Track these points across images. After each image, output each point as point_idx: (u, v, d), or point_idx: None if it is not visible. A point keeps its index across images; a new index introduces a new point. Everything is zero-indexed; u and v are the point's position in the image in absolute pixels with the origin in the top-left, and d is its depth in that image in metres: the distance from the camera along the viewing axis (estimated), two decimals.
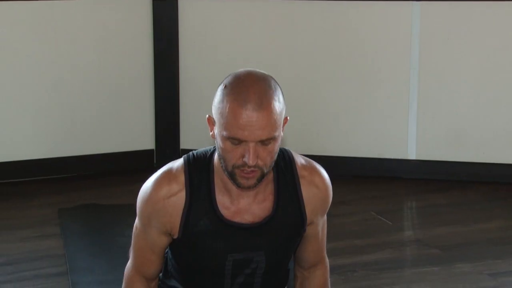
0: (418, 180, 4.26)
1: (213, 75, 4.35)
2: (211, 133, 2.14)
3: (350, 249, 3.38)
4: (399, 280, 3.10)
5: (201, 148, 2.32)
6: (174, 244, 2.24)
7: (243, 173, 2.07)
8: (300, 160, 2.28)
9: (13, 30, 4.17)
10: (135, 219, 2.28)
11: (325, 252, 2.41)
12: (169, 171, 2.22)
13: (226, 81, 2.10)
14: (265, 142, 2.05)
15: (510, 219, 3.75)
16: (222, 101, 2.07)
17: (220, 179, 2.16)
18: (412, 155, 4.28)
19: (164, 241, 2.24)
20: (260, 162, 2.06)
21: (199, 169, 2.21)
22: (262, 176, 2.09)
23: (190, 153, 2.26)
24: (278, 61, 4.33)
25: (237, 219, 2.16)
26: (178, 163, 2.23)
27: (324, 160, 4.34)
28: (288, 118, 2.15)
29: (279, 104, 2.09)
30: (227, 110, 2.05)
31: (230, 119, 2.05)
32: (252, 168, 2.05)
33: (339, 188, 4.14)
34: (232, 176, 2.09)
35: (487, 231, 3.59)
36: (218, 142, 2.10)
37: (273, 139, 2.06)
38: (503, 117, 4.19)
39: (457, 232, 3.58)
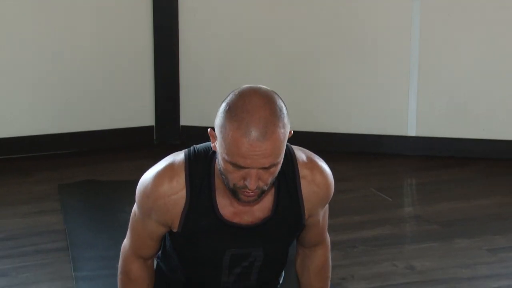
0: (418, 157, 4.27)
1: (214, 50, 4.36)
2: (212, 145, 2.08)
3: (350, 225, 3.39)
4: (399, 255, 3.11)
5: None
6: (172, 234, 2.25)
7: (244, 193, 2.04)
8: (301, 157, 2.23)
9: (10, 4, 4.16)
10: (134, 203, 2.29)
11: (326, 233, 2.42)
12: (170, 167, 2.18)
13: (229, 101, 2.01)
14: (268, 167, 2.01)
15: (510, 195, 3.76)
16: (224, 125, 1.99)
17: (220, 181, 2.13)
18: (412, 132, 4.29)
19: (163, 230, 2.24)
20: (261, 184, 2.03)
21: (200, 168, 2.17)
22: (263, 192, 2.07)
23: (192, 148, 2.22)
24: (278, 36, 4.33)
25: (237, 219, 2.15)
26: (179, 158, 2.19)
27: (323, 137, 4.37)
28: (292, 132, 2.08)
29: (283, 131, 2.02)
30: (229, 137, 1.98)
31: (233, 147, 1.98)
32: (253, 191, 2.03)
33: (338, 165, 4.16)
34: (233, 192, 2.07)
35: (486, 207, 3.60)
36: (220, 161, 2.05)
37: (276, 164, 2.02)
38: (504, 94, 4.20)
39: (456, 208, 3.59)
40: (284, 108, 2.04)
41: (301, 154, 2.25)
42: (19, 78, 4.24)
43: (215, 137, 2.05)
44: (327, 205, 2.33)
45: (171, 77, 4.39)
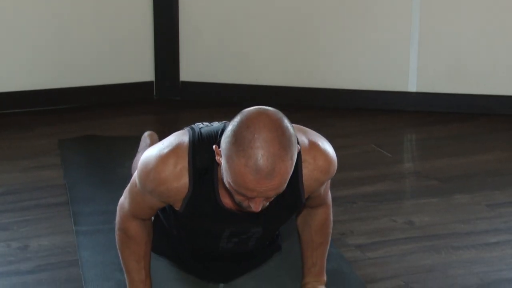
0: (418, 113, 4.28)
1: (214, 5, 4.33)
2: (217, 158, 2.05)
3: (350, 181, 3.41)
4: (398, 211, 3.13)
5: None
6: (173, 208, 2.26)
7: (249, 209, 2.05)
8: (303, 141, 2.19)
9: None
10: (133, 158, 2.30)
11: (328, 196, 2.43)
12: (174, 152, 2.16)
13: (237, 131, 1.95)
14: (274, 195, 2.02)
15: (509, 151, 3.77)
16: (231, 158, 1.95)
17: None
18: (412, 88, 4.28)
19: (163, 205, 2.28)
20: (265, 203, 2.03)
21: (204, 157, 2.15)
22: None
23: (197, 131, 2.19)
24: None
25: (237, 208, 2.16)
26: (183, 143, 2.17)
27: (324, 93, 4.37)
28: (299, 147, 2.06)
29: (291, 162, 1.98)
30: (236, 171, 1.95)
31: (239, 180, 1.96)
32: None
33: (339, 121, 4.17)
34: (237, 204, 2.09)
35: (486, 163, 3.62)
36: (225, 180, 2.02)
37: (282, 190, 2.01)
38: (504, 49, 4.19)
39: (456, 163, 3.61)
40: (291, 131, 1.99)
41: (302, 138, 2.20)
42: (19, 33, 4.23)
43: (220, 155, 2.02)
44: (328, 182, 2.35)
45: (171, 32, 4.37)
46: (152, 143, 3.01)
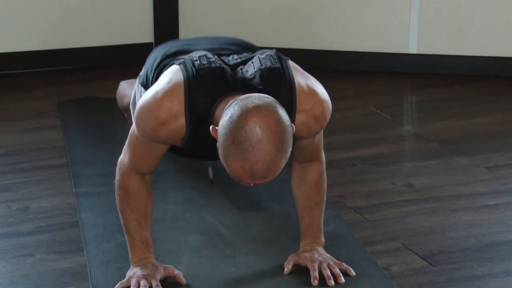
0: (419, 75, 4.28)
1: None
2: (212, 133, 2.10)
3: (349, 143, 3.42)
4: (398, 173, 3.14)
5: None
6: None
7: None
8: (302, 86, 2.22)
9: None
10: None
11: (321, 151, 2.46)
12: (170, 94, 2.19)
13: (234, 131, 1.98)
14: None
15: (510, 113, 3.78)
16: (228, 156, 2.01)
17: (219, 114, 2.13)
18: (413, 49, 4.28)
19: (164, 149, 2.30)
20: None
21: (201, 98, 2.18)
22: None
23: (189, 68, 2.22)
24: None
25: None
26: (178, 84, 2.20)
27: (323, 55, 4.37)
28: (294, 127, 2.08)
29: (285, 159, 2.04)
30: (233, 169, 2.02)
31: (234, 175, 2.04)
32: None
33: (339, 83, 4.17)
34: None
35: (486, 125, 3.62)
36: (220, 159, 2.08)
37: None
38: (506, 11, 4.18)
39: (456, 126, 3.61)
40: (288, 130, 2.02)
41: (301, 82, 2.24)
42: None
43: (216, 137, 2.06)
44: (320, 134, 2.38)
45: None
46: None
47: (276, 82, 2.23)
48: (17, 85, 4.12)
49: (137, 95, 2.66)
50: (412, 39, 4.27)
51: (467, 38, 4.24)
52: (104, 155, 3.21)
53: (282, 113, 2.03)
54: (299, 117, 2.22)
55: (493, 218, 2.78)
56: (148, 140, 2.26)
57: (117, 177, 2.38)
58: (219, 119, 2.08)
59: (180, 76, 2.22)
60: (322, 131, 2.41)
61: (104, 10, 4.32)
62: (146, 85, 2.55)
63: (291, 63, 2.32)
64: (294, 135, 2.10)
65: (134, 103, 2.68)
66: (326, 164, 3.13)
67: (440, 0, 4.21)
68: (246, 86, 2.19)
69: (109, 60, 4.33)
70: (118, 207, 2.38)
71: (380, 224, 2.74)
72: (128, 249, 2.37)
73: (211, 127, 2.10)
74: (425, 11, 4.22)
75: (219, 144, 2.05)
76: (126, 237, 2.38)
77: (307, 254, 2.39)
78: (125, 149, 2.37)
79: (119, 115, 3.58)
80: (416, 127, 3.66)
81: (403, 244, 2.60)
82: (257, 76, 2.23)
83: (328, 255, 2.40)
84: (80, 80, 4.18)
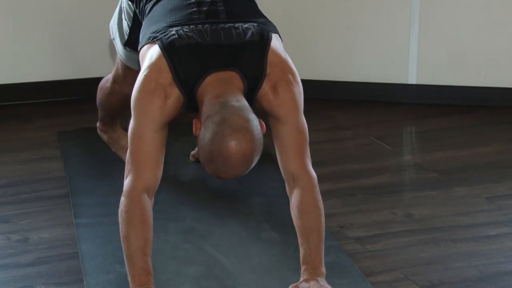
0: (418, 105, 4.28)
1: None
2: (194, 130, 2.31)
3: (349, 173, 3.42)
4: (398, 203, 3.13)
5: None
6: None
7: None
8: (274, 55, 2.46)
9: None
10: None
11: (307, 167, 2.46)
12: (158, 70, 2.36)
13: (211, 148, 2.22)
14: None
15: (509, 143, 3.77)
16: (204, 161, 2.27)
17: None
18: (412, 80, 4.29)
19: (166, 134, 2.43)
20: None
21: (185, 73, 2.36)
22: None
23: (167, 45, 2.37)
24: None
25: None
26: (161, 60, 2.37)
27: (323, 85, 4.37)
28: (264, 126, 2.32)
29: (256, 161, 2.28)
30: (208, 170, 2.28)
31: (210, 173, 2.29)
32: None
33: (338, 113, 4.18)
34: None
35: (485, 155, 3.62)
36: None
37: None
38: (504, 41, 4.20)
39: (455, 156, 3.61)
40: (260, 140, 2.26)
41: (276, 53, 2.47)
42: (18, 25, 4.23)
43: (197, 133, 2.29)
44: (300, 125, 2.48)
45: None
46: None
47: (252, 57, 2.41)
48: (18, 115, 4.13)
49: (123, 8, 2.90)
50: (412, 70, 4.28)
51: (466, 68, 4.25)
52: (104, 186, 3.21)
53: (255, 129, 2.23)
54: (265, 85, 2.42)
55: (494, 249, 2.77)
56: (153, 124, 2.35)
57: (124, 203, 2.36)
58: (205, 107, 2.30)
59: (161, 55, 2.37)
60: (303, 135, 2.46)
61: (103, 42, 4.34)
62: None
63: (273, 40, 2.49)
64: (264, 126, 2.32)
65: (115, 21, 2.99)
66: (326, 193, 3.14)
67: (439, 31, 4.22)
68: (225, 61, 2.36)
69: None
70: (122, 234, 2.35)
71: (381, 254, 2.74)
72: (129, 277, 2.33)
73: (193, 121, 2.30)
74: (424, 42, 4.23)
75: (199, 145, 2.26)
76: (127, 265, 2.34)
77: (306, 285, 2.37)
78: (127, 167, 2.39)
79: None
80: (416, 157, 3.66)
81: (404, 275, 2.60)
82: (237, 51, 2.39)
83: (329, 287, 2.38)
84: (80, 111, 4.19)
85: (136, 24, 2.78)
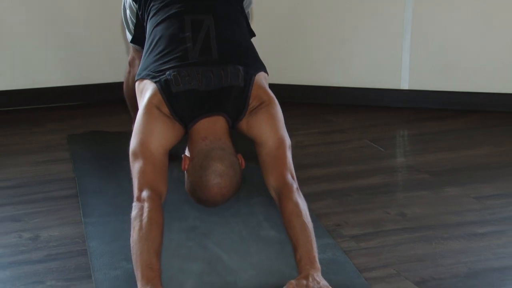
0: (410, 109, 4.29)
1: None
2: (183, 166, 2.51)
3: (345, 175, 3.42)
4: (391, 203, 3.14)
5: None
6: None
7: None
8: (255, 90, 2.58)
9: None
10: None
11: (285, 178, 2.51)
12: (157, 106, 2.53)
13: (194, 185, 2.45)
14: None
15: (497, 146, 3.78)
16: (190, 191, 2.50)
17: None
18: (405, 85, 4.30)
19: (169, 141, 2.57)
20: None
21: (180, 110, 2.53)
22: None
23: (165, 88, 2.52)
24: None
25: None
26: (156, 98, 2.53)
27: (321, 90, 4.38)
28: (243, 162, 2.53)
29: (233, 194, 2.50)
30: (192, 199, 2.52)
31: (194, 201, 2.52)
32: None
33: (335, 117, 4.19)
34: None
35: (474, 157, 3.63)
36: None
37: None
38: (493, 49, 4.20)
39: (446, 158, 3.62)
40: (238, 181, 2.47)
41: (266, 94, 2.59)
42: (30, 34, 4.24)
43: (186, 166, 2.50)
44: (284, 144, 2.55)
45: None
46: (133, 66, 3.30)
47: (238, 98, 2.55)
48: (30, 119, 4.14)
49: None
50: (404, 76, 4.29)
51: (456, 74, 4.26)
52: (112, 186, 3.22)
53: (234, 174, 2.43)
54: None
55: (482, 246, 2.77)
56: (160, 144, 2.49)
57: (138, 208, 2.40)
58: (193, 145, 2.49)
59: (159, 95, 2.51)
60: (285, 152, 2.53)
61: (111, 49, 4.35)
62: None
63: (256, 80, 2.60)
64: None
65: (122, 16, 3.08)
66: (323, 193, 3.15)
67: (430, 39, 4.23)
68: (214, 107, 2.52)
69: (115, 96, 4.33)
70: (135, 235, 2.35)
71: (375, 251, 2.74)
72: (137, 275, 2.32)
73: (183, 155, 2.49)
74: (416, 49, 4.24)
75: (186, 180, 2.48)
76: (135, 264, 2.33)
77: (304, 281, 2.37)
78: (139, 179, 2.45)
79: (125, 148, 3.60)
80: (408, 159, 3.67)
81: (397, 271, 2.60)
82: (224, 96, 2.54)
83: (325, 283, 2.37)
84: (88, 115, 4.20)
85: (139, 22, 2.90)
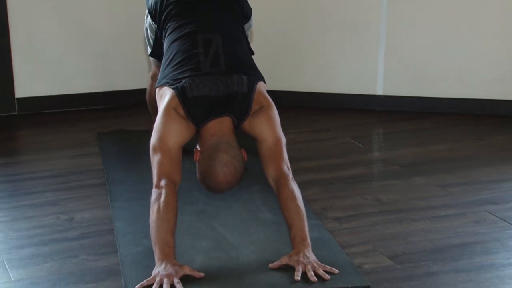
0: (384, 112, 4.28)
1: None
2: (195, 157, 2.49)
3: (330, 166, 3.42)
4: (368, 190, 3.14)
5: None
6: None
7: None
8: (257, 97, 2.55)
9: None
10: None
11: (282, 169, 2.50)
12: (174, 108, 2.51)
13: (204, 175, 2.43)
14: None
15: (458, 142, 3.77)
16: (200, 179, 2.48)
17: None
18: (380, 91, 4.29)
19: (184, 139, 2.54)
20: None
21: (194, 112, 2.50)
22: None
23: (181, 93, 2.51)
24: (272, 15, 4.31)
25: None
26: (175, 102, 2.51)
27: (309, 96, 4.37)
28: (246, 155, 2.50)
29: (237, 184, 2.47)
30: (203, 187, 2.49)
31: (205, 189, 2.49)
32: None
33: (321, 118, 4.18)
34: None
35: (439, 152, 3.62)
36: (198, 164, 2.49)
37: None
38: (453, 60, 4.20)
39: (415, 152, 3.62)
40: (241, 171, 2.44)
41: (266, 101, 2.57)
42: (69, 49, 4.23)
43: (198, 157, 2.48)
44: (279, 141, 2.52)
45: None
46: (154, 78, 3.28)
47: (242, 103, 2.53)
48: (66, 120, 4.13)
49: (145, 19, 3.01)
50: (379, 84, 4.28)
51: (424, 82, 4.25)
52: (134, 176, 3.21)
53: (238, 164, 2.41)
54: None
55: (444, 226, 2.77)
56: (176, 140, 2.46)
57: (157, 193, 2.40)
58: (203, 140, 2.48)
59: (177, 99, 2.51)
60: (280, 148, 2.50)
61: (133, 63, 4.34)
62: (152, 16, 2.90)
63: (258, 87, 2.59)
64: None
65: (144, 34, 3.07)
66: (311, 182, 3.15)
67: (401, 51, 4.23)
68: (222, 110, 2.50)
69: (138, 100, 4.33)
70: (154, 217, 2.35)
71: (355, 231, 2.74)
72: (155, 250, 2.33)
73: (194, 149, 2.49)
74: (389, 61, 4.24)
75: (198, 168, 2.47)
76: (153, 241, 2.34)
77: (295, 257, 2.36)
78: (158, 169, 2.44)
79: (146, 143, 3.59)
80: (383, 154, 3.66)
81: (373, 247, 2.60)
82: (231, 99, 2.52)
83: (314, 258, 2.37)
84: (115, 116, 4.19)
85: (158, 38, 2.87)
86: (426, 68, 4.23)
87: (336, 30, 4.27)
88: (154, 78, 3.24)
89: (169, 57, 2.66)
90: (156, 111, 2.79)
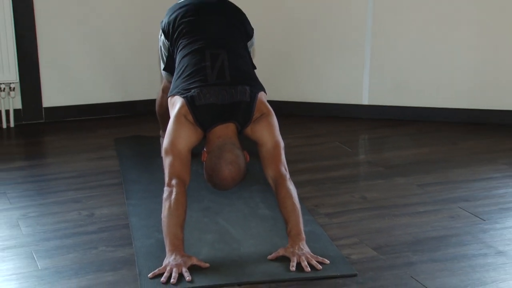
0: (370, 119, 4.28)
1: None
2: (202, 158, 2.49)
3: (322, 168, 3.42)
4: (356, 189, 3.14)
5: None
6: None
7: None
8: (258, 105, 2.55)
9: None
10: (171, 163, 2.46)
11: (280, 170, 2.49)
12: (184, 115, 2.50)
13: (210, 173, 2.41)
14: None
15: (435, 146, 3.77)
16: (207, 177, 2.45)
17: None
18: (365, 101, 4.30)
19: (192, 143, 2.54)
20: None
21: (201, 119, 2.50)
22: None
23: (190, 101, 2.51)
24: (272, 36, 4.32)
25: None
26: (185, 109, 2.50)
27: (304, 105, 4.38)
28: (248, 156, 2.49)
29: (240, 181, 2.44)
30: (209, 184, 2.46)
31: (211, 186, 2.47)
32: None
33: (314, 125, 4.18)
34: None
35: (418, 155, 3.62)
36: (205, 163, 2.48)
37: None
38: (432, 73, 4.21)
39: (396, 155, 3.62)
40: (244, 169, 2.42)
41: (266, 109, 2.56)
42: (88, 63, 4.23)
43: (205, 158, 2.47)
44: (278, 144, 2.52)
45: None
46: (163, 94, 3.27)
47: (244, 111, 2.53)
48: (85, 127, 4.13)
49: (160, 39, 2.98)
50: (365, 94, 4.29)
51: (405, 93, 4.26)
52: (148, 177, 3.21)
53: (241, 163, 2.40)
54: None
55: (423, 221, 2.78)
56: (186, 144, 2.45)
57: (168, 192, 2.39)
58: (210, 143, 2.46)
59: (186, 107, 2.50)
60: (279, 152, 2.50)
61: (148, 73, 4.34)
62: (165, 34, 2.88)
63: (259, 97, 2.59)
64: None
65: (159, 51, 3.03)
66: (305, 182, 3.15)
67: (385, 66, 4.23)
68: (228, 117, 2.49)
69: (152, 109, 4.33)
70: (165, 212, 2.35)
71: (343, 225, 2.74)
72: (166, 243, 2.34)
73: (202, 151, 2.48)
74: (374, 73, 4.24)
75: (205, 167, 2.44)
76: (164, 234, 2.34)
77: (291, 249, 2.37)
78: (169, 170, 2.43)
79: (158, 148, 3.59)
80: (368, 156, 3.67)
81: (360, 240, 2.60)
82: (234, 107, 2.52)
83: (307, 250, 2.37)
84: (130, 123, 4.19)
85: (170, 54, 2.86)
86: (407, 80, 4.24)
87: (327, 47, 4.28)
88: (164, 90, 3.24)
89: (180, 69, 2.67)
90: (164, 120, 2.81)
